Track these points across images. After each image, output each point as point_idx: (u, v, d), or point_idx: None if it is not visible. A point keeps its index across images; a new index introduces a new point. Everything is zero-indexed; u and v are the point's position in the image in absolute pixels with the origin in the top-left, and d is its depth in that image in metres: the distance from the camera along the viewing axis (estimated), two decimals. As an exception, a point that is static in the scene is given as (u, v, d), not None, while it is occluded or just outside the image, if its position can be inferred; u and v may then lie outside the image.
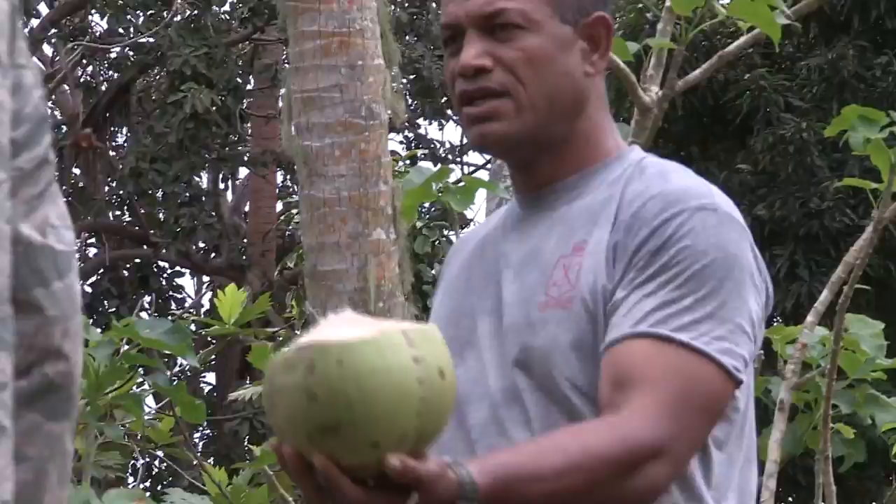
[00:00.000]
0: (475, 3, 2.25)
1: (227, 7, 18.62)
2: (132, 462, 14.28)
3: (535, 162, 2.33)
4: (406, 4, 18.37)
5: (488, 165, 14.39)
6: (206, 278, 20.33)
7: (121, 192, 19.46)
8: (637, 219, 2.17)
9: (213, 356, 15.16)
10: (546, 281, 2.23)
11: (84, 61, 19.70)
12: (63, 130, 17.70)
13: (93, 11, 19.04)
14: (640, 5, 12.82)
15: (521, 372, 2.21)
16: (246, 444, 16.36)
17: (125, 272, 19.33)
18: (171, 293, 19.87)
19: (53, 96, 17.79)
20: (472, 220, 16.31)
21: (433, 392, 1.76)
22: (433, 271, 12.01)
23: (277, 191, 19.59)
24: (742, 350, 2.11)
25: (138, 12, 18.77)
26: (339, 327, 1.76)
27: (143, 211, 18.13)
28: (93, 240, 20.28)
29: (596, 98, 2.34)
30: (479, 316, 2.31)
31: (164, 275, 19.91)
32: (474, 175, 16.13)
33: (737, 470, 2.24)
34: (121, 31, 18.90)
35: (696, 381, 2.10)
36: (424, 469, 1.81)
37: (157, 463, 16.53)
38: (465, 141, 20.81)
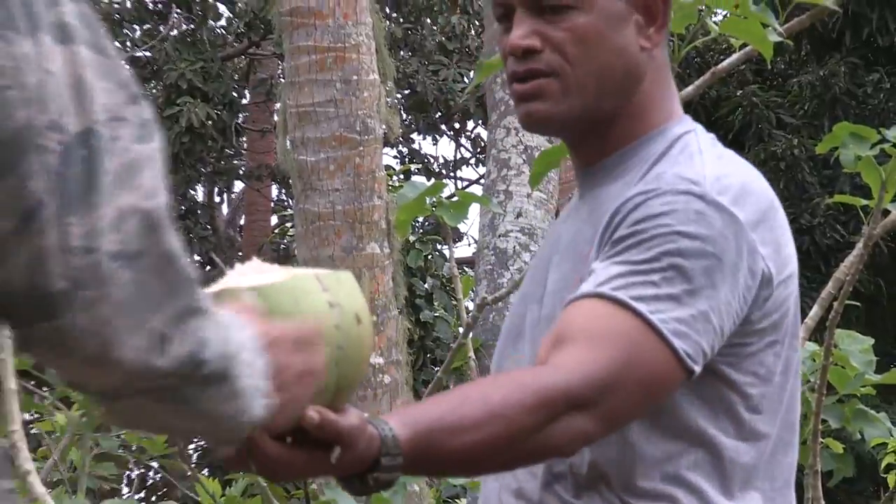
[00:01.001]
0: None
1: (223, 22, 19.04)
2: (127, 473, 14.32)
3: (585, 141, 2.33)
4: (401, 20, 18.41)
5: (481, 181, 14.54)
6: (200, 291, 20.64)
7: (115, 204, 19.92)
8: (630, 200, 2.17)
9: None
10: (574, 275, 2.22)
11: (80, 74, 20.34)
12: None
13: (89, 25, 19.38)
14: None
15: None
16: (239, 455, 16.52)
17: (120, 284, 19.66)
18: (165, 305, 20.16)
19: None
20: (465, 234, 16.50)
21: (350, 339, 1.64)
22: (426, 285, 12.15)
23: (272, 204, 19.94)
24: (701, 339, 2.05)
25: (134, 26, 19.13)
26: (249, 275, 1.63)
27: (138, 223, 18.34)
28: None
29: (654, 70, 2.33)
30: (530, 304, 2.32)
31: (159, 287, 20.23)
32: (468, 190, 16.25)
33: (766, 457, 2.21)
34: (117, 44, 19.11)
35: (641, 353, 2.05)
36: (345, 423, 1.74)
37: (151, 474, 16.69)
38: (458, 156, 20.97)
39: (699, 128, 2.26)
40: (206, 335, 1.62)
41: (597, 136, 2.27)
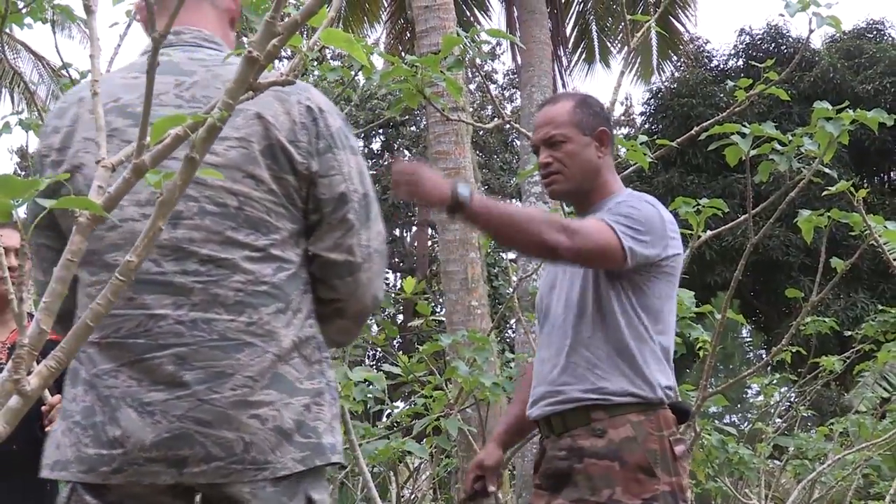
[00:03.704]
0: (541, 134, 3.03)
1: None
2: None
3: (578, 201, 3.07)
4: (479, 153, 22.67)
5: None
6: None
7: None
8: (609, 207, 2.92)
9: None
10: None
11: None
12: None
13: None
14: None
15: (570, 293, 2.99)
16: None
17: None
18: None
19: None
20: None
21: None
22: (495, 269, 16.59)
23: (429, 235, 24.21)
24: (637, 248, 2.82)
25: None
26: None
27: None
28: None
29: (605, 167, 3.03)
30: (560, 272, 3.08)
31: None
32: None
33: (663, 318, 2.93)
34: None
35: (609, 237, 2.79)
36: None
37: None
38: None
39: (631, 190, 3.03)
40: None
41: (583, 199, 3.04)
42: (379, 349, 15.50)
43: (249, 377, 2.04)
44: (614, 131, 3.02)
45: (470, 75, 19.41)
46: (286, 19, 1.20)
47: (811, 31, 4.46)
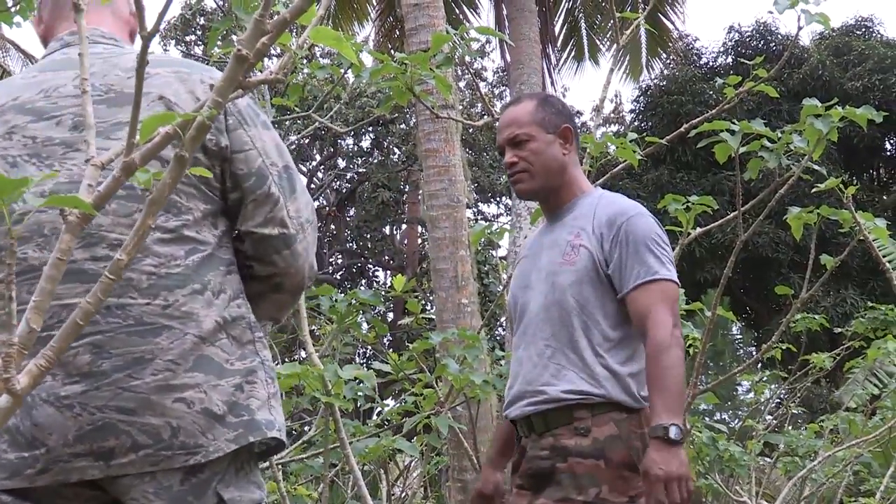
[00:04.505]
0: (506, 134, 3.05)
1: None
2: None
3: (547, 199, 3.07)
4: (468, 150, 23.28)
5: (507, 216, 17.85)
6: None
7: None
8: (609, 220, 2.88)
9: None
10: (561, 253, 2.96)
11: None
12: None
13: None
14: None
15: (550, 291, 2.98)
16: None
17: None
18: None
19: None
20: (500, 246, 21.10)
21: None
22: (486, 268, 16.78)
23: (419, 233, 24.59)
24: (673, 269, 2.87)
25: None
26: None
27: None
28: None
29: (572, 164, 3.03)
30: (533, 272, 3.05)
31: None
32: (498, 220, 20.73)
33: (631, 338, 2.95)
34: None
35: (668, 290, 2.83)
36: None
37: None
38: (499, 211, 25.43)
39: (602, 190, 3.09)
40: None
41: (553, 197, 3.05)
42: (369, 347, 15.52)
43: (170, 360, 2.00)
44: (605, 129, 3.26)
45: (459, 73, 19.67)
46: (275, 17, 1.20)
47: (800, 29, 4.50)
